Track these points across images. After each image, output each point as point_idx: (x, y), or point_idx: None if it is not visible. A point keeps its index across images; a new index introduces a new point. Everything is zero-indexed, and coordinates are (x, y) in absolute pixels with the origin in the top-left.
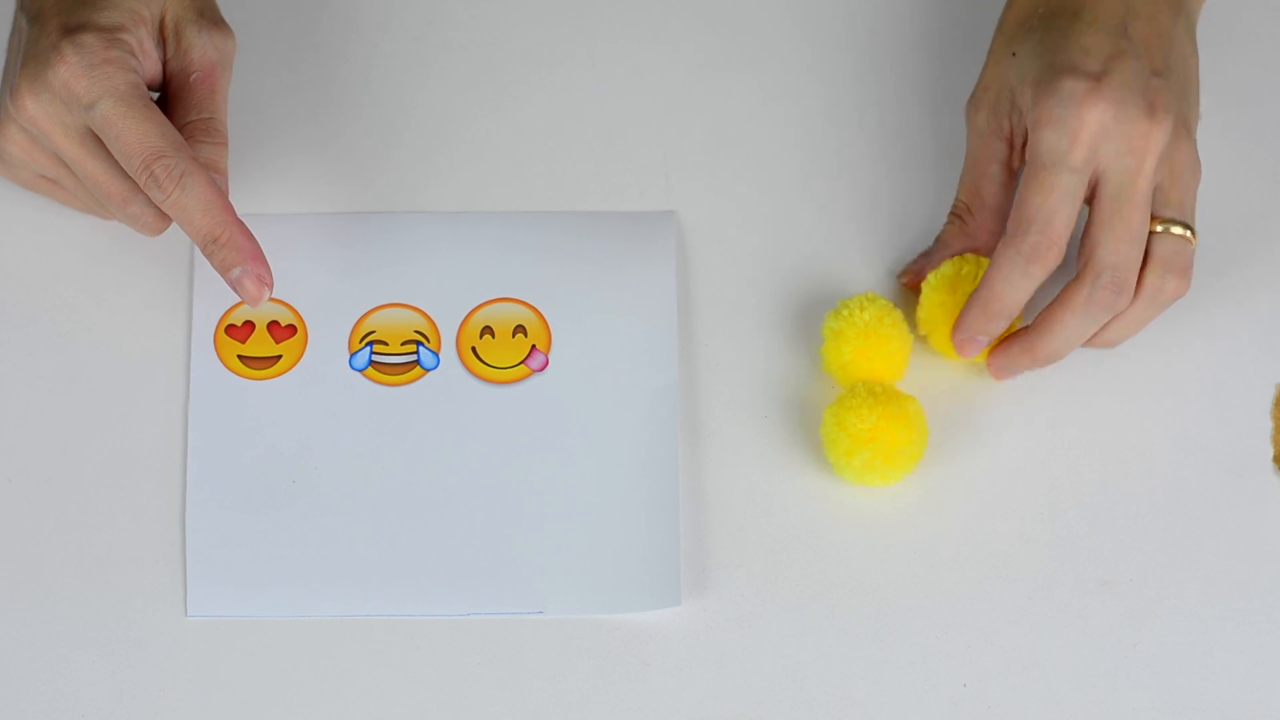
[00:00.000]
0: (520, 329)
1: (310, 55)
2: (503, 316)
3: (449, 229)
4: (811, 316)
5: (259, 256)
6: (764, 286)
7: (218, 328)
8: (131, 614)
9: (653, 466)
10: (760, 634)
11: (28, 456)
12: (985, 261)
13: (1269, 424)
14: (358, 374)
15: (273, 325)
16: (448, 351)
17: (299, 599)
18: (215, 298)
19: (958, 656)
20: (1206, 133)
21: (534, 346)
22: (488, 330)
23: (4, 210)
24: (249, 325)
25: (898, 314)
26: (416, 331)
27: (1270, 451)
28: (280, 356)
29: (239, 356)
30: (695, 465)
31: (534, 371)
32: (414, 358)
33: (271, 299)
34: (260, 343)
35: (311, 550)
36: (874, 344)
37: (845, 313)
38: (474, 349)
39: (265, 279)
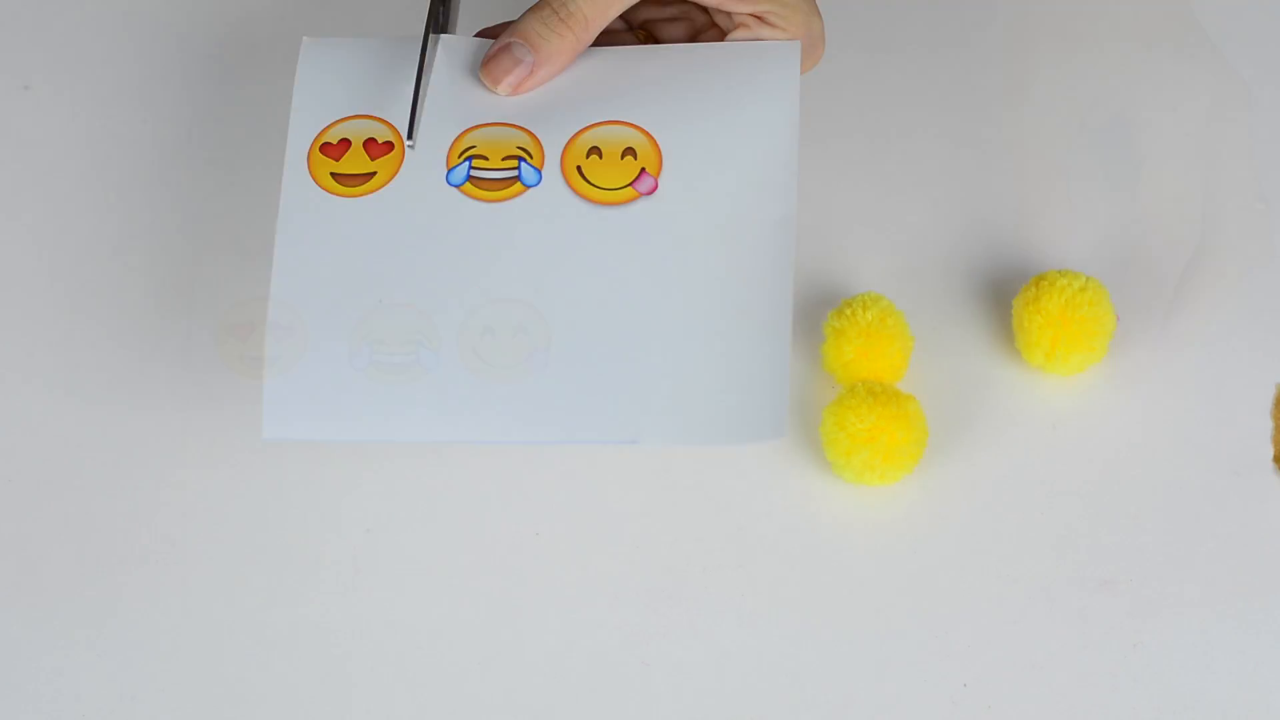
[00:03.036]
0: (630, 151)
1: None
2: (612, 138)
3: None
4: (812, 315)
5: None
6: None
7: (312, 146)
8: (131, 614)
9: (763, 297)
10: (760, 634)
11: (28, 456)
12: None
13: (1269, 424)
14: (454, 189)
15: (369, 142)
16: (551, 170)
17: (381, 421)
18: (312, 114)
19: (958, 656)
20: (1207, 132)
21: (643, 169)
22: (595, 150)
23: (4, 209)
24: (345, 143)
25: (900, 315)
26: (519, 148)
27: (1270, 451)
28: (375, 173)
29: (332, 174)
30: (695, 465)
31: (641, 195)
32: (515, 173)
33: (370, 116)
34: (355, 159)
35: (396, 370)
36: (876, 344)
37: (848, 312)
38: (579, 168)
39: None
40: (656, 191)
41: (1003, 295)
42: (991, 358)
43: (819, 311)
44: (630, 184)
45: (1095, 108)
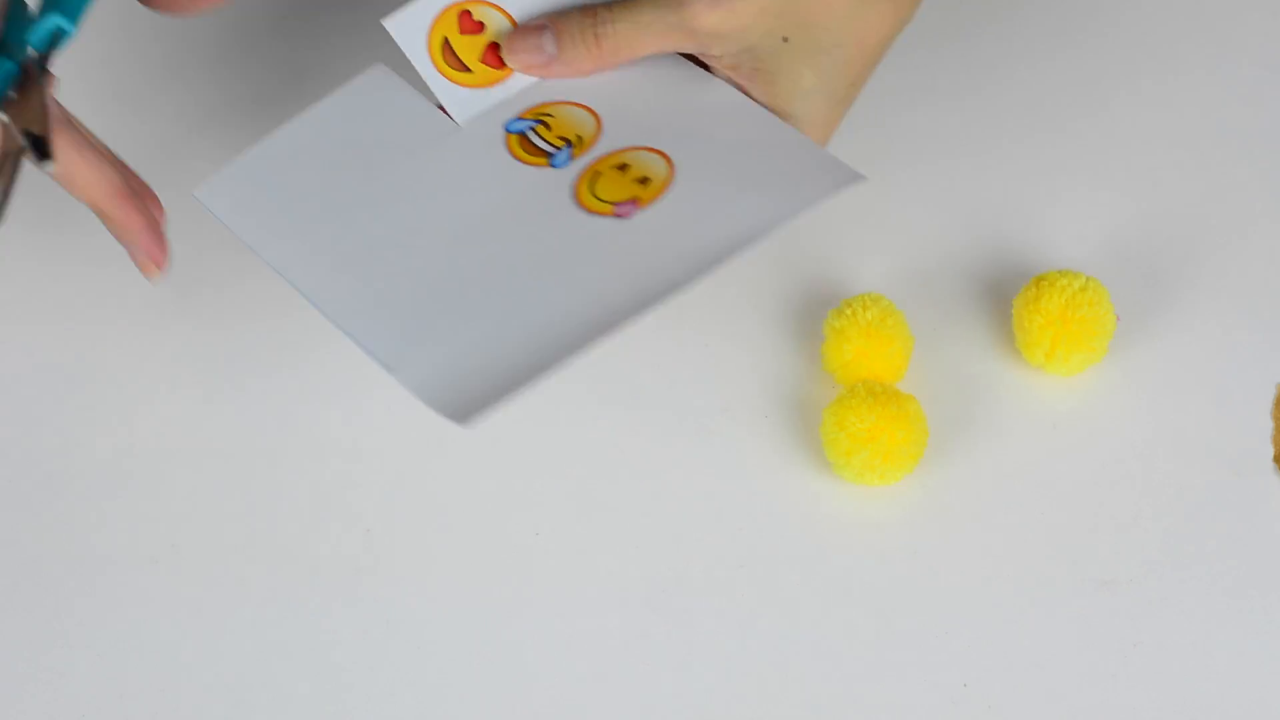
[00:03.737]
0: (645, 180)
1: None
2: (644, 163)
3: (678, 69)
4: (812, 315)
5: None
6: (764, 285)
7: (455, 4)
8: (131, 614)
9: (585, 326)
10: (760, 634)
11: (28, 456)
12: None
13: (1269, 424)
14: (503, 132)
15: (493, 46)
16: (580, 164)
17: (284, 244)
18: None
19: (958, 656)
20: (1207, 132)
21: (636, 199)
22: (624, 166)
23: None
24: (480, 26)
25: (900, 315)
26: (577, 135)
27: (1270, 451)
28: (471, 73)
29: (445, 39)
30: (695, 465)
31: (613, 215)
32: (555, 150)
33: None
34: (472, 48)
35: (327, 217)
36: (876, 344)
37: (848, 312)
38: (598, 172)
39: (156, 257)
40: (627, 219)
41: (1003, 295)
42: (991, 358)
43: (819, 311)
44: (616, 203)
45: (1096, 107)
